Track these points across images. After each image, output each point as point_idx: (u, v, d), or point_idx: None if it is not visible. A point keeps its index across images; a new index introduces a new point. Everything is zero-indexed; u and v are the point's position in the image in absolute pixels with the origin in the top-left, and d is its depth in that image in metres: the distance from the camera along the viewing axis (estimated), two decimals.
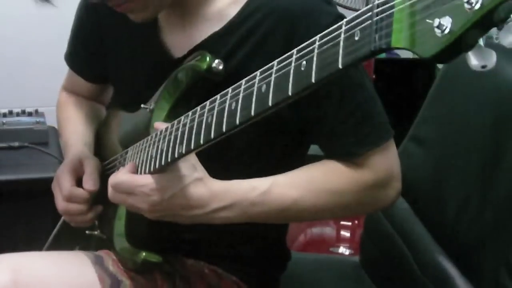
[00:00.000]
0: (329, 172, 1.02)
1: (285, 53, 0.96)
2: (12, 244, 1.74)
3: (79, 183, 1.18)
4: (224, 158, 1.05)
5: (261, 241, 1.18)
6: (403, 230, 1.31)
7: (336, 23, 0.96)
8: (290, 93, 0.71)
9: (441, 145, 1.31)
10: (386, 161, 1.02)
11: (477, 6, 0.51)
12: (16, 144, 2.04)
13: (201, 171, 0.96)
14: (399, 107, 1.99)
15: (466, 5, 0.51)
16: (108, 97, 1.38)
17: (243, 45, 1.01)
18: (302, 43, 0.95)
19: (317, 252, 2.13)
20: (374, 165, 1.01)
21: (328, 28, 0.94)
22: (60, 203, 1.18)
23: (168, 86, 1.07)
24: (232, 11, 1.03)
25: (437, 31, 0.53)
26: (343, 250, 2.26)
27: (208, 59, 0.99)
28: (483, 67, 0.54)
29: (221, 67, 0.99)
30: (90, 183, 1.16)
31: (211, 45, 1.03)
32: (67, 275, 1.08)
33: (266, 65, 0.97)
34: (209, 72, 0.99)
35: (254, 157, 1.06)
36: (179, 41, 1.08)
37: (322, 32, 0.94)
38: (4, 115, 2.17)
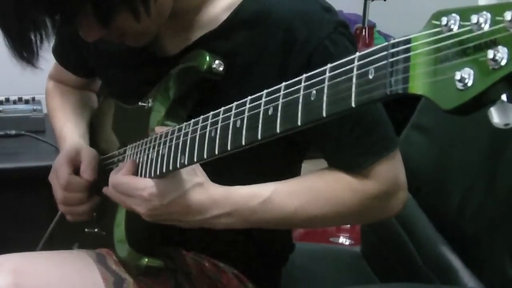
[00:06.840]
0: (332, 181, 1.00)
1: (284, 64, 0.96)
2: (8, 232, 1.74)
3: (76, 173, 1.17)
4: (225, 163, 1.03)
5: (265, 236, 1.16)
6: (405, 220, 1.30)
7: (337, 32, 0.96)
8: (299, 123, 0.68)
9: (444, 134, 1.30)
10: (391, 171, 1.00)
11: (503, 63, 0.48)
12: (13, 132, 2.03)
13: (201, 176, 0.95)
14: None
15: (491, 62, 0.49)
16: (97, 85, 1.36)
17: (241, 52, 1.00)
18: (302, 54, 0.95)
19: (317, 242, 2.12)
20: (378, 176, 0.99)
21: (329, 37, 0.93)
22: (59, 193, 1.17)
23: (166, 84, 1.06)
24: (225, 16, 1.01)
25: (459, 84, 0.51)
26: (343, 240, 2.26)
27: (208, 59, 0.98)
28: (506, 125, 0.51)
29: (221, 68, 0.98)
30: (87, 172, 1.15)
31: (203, 46, 1.02)
32: (69, 276, 1.07)
33: (266, 74, 0.97)
34: (208, 73, 0.98)
35: (256, 164, 1.04)
36: (173, 39, 1.06)
37: (323, 42, 0.94)
38: (1, 102, 2.16)
